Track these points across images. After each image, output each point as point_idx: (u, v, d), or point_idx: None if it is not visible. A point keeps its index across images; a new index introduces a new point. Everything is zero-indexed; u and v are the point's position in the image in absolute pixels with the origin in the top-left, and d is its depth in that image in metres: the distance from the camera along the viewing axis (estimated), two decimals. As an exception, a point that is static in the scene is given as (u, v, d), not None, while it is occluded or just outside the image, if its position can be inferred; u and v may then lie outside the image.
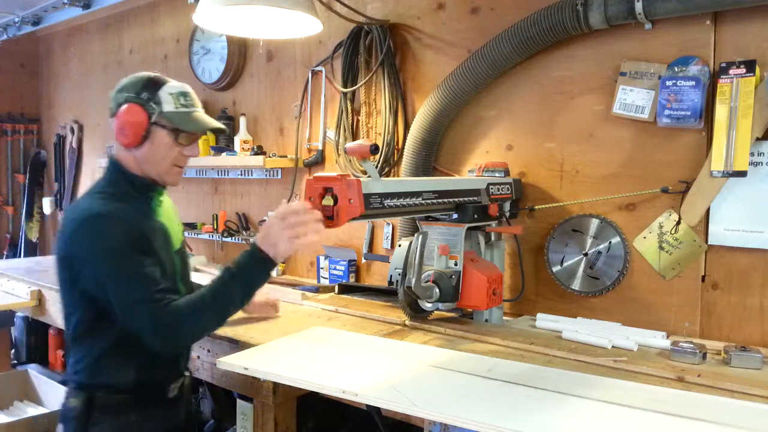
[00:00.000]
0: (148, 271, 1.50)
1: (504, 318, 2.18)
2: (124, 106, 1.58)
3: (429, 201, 1.81)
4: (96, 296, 1.52)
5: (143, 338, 1.48)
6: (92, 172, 4.55)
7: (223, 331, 2.03)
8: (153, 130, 1.59)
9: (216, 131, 1.76)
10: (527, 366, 1.63)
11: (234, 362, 1.63)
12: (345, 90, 2.75)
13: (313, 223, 1.49)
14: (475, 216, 1.98)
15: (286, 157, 3.05)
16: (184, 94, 1.63)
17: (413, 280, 1.79)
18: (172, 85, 1.63)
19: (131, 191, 1.63)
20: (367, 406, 1.57)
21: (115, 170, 1.65)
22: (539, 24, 2.08)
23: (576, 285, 2.19)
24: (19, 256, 4.88)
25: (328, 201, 1.55)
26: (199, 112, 1.66)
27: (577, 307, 2.19)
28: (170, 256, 1.67)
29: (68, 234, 1.56)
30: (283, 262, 3.11)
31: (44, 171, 5.02)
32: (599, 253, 2.14)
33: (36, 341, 3.66)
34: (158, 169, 1.64)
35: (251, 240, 1.53)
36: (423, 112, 2.42)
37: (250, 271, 1.51)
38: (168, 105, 1.59)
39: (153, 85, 1.60)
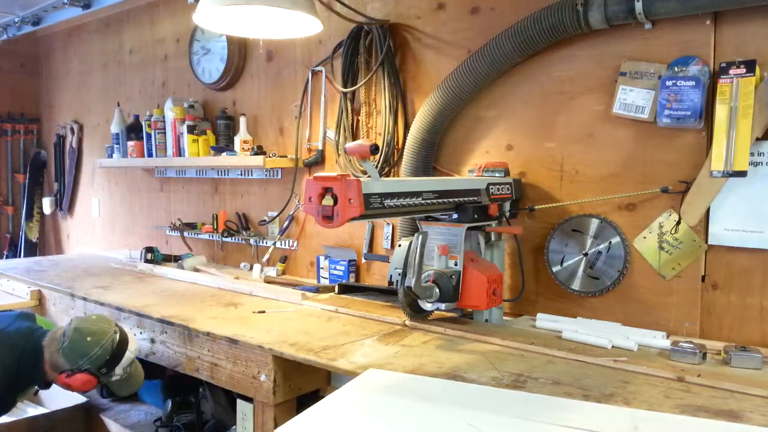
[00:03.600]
0: None
1: (504, 318, 2.19)
2: (82, 377, 1.89)
3: (429, 201, 1.81)
4: None
5: None
6: (92, 172, 4.55)
7: (222, 330, 2.04)
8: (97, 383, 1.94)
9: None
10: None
11: None
12: (345, 90, 2.75)
13: None
14: (475, 216, 1.98)
15: (286, 157, 3.05)
16: (132, 363, 1.96)
17: (413, 280, 1.79)
18: (128, 357, 1.95)
19: (25, 370, 1.91)
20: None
21: (34, 356, 1.92)
22: (539, 24, 2.08)
23: (576, 285, 2.19)
24: (19, 256, 4.88)
25: (328, 201, 1.55)
26: (135, 369, 2.03)
27: (577, 307, 2.19)
28: None
29: None
30: (282, 262, 3.11)
31: (44, 171, 5.02)
32: (599, 253, 2.14)
33: (36, 341, 3.65)
34: (70, 391, 1.95)
35: None
36: (423, 112, 2.42)
37: None
38: (116, 376, 1.91)
39: (113, 360, 1.91)
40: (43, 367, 1.94)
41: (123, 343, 1.99)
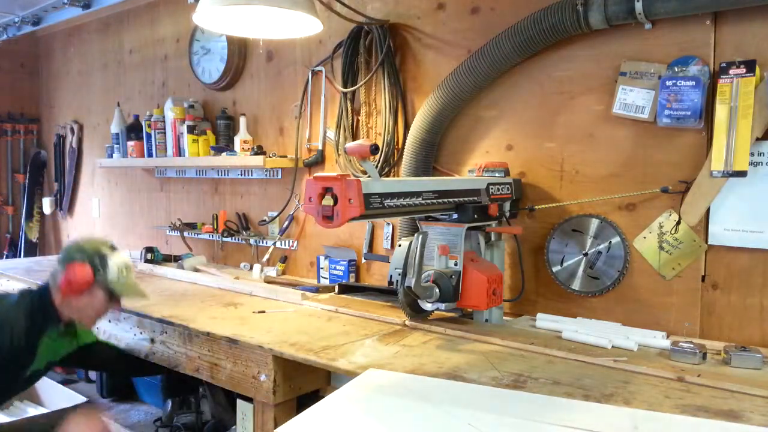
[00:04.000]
0: None
1: (504, 318, 2.19)
2: (78, 265, 1.93)
3: (429, 201, 1.81)
4: None
5: None
6: (92, 172, 4.55)
7: (222, 330, 2.04)
8: (95, 289, 1.95)
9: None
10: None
11: None
12: (345, 90, 2.75)
13: None
14: (475, 216, 1.98)
15: (286, 157, 3.05)
16: (127, 267, 2.01)
17: (413, 280, 1.79)
18: (121, 258, 2.00)
19: (38, 315, 1.95)
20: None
21: (41, 295, 1.98)
22: (539, 24, 2.08)
23: (576, 285, 2.19)
24: (19, 256, 4.88)
25: (328, 201, 1.55)
26: (132, 280, 2.05)
27: (577, 307, 2.19)
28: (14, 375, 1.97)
29: None
30: (282, 262, 3.11)
31: (44, 171, 5.02)
32: (599, 253, 2.14)
33: (36, 341, 3.65)
34: (83, 317, 1.99)
35: None
36: (423, 112, 2.42)
37: None
38: (113, 275, 1.96)
39: (104, 256, 1.97)
40: (51, 298, 1.98)
41: (114, 246, 2.06)
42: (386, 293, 2.48)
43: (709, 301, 1.96)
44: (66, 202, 4.75)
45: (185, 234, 3.56)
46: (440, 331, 2.01)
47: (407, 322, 2.10)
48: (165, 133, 3.52)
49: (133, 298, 2.10)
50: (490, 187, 2.06)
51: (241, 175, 3.38)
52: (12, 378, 1.96)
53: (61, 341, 2.07)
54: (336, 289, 2.63)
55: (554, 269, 2.23)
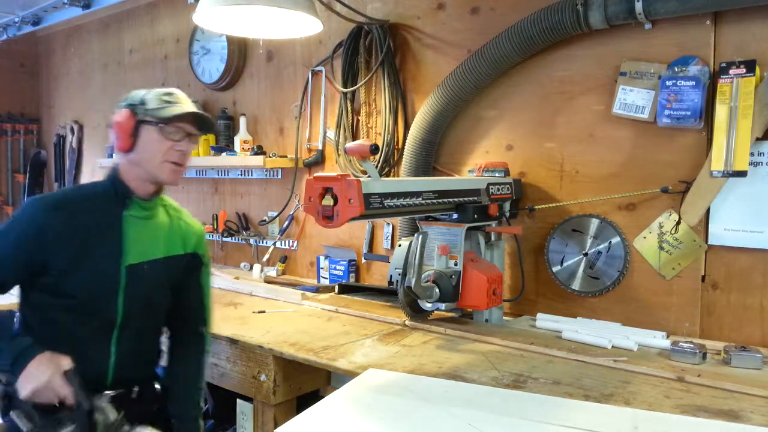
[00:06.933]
0: None
1: (504, 318, 2.19)
2: (116, 113, 1.61)
3: (429, 201, 1.81)
4: None
5: None
6: (92, 172, 4.55)
7: (222, 330, 2.04)
8: (140, 128, 1.59)
9: (200, 119, 1.65)
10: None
11: None
12: (345, 90, 2.75)
13: None
14: (475, 216, 1.98)
15: (286, 157, 3.05)
16: (169, 93, 1.62)
17: (413, 280, 1.79)
18: (160, 90, 1.64)
19: (111, 192, 1.63)
20: None
21: (111, 174, 1.65)
22: (539, 24, 2.08)
23: (576, 285, 2.19)
24: (19, 256, 4.87)
25: (328, 201, 1.55)
26: (182, 105, 1.61)
27: (577, 307, 2.19)
28: (109, 266, 1.61)
29: None
30: (282, 262, 3.11)
31: (44, 171, 5.02)
32: (599, 253, 2.14)
33: (36, 341, 3.66)
34: (152, 167, 1.60)
35: None
36: (423, 112, 2.42)
37: None
38: (152, 103, 1.59)
39: (144, 94, 1.62)
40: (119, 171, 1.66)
41: (177, 93, 1.68)
42: (386, 293, 2.48)
43: (709, 301, 1.96)
44: (66, 202, 4.74)
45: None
46: (440, 331, 2.01)
47: (407, 322, 2.10)
48: (165, 133, 3.52)
49: (180, 114, 1.58)
50: (490, 187, 2.06)
51: (241, 175, 3.38)
52: (111, 269, 1.61)
53: (148, 226, 1.70)
54: (336, 289, 2.63)
55: (554, 269, 2.23)
